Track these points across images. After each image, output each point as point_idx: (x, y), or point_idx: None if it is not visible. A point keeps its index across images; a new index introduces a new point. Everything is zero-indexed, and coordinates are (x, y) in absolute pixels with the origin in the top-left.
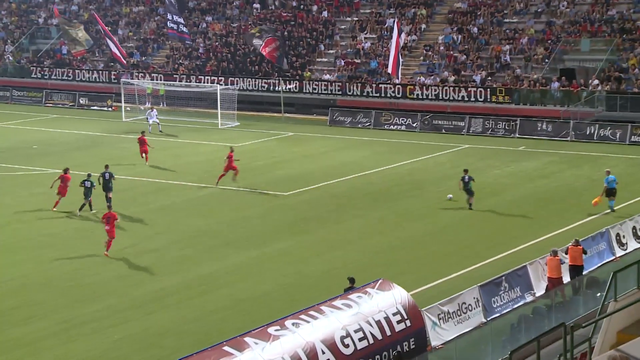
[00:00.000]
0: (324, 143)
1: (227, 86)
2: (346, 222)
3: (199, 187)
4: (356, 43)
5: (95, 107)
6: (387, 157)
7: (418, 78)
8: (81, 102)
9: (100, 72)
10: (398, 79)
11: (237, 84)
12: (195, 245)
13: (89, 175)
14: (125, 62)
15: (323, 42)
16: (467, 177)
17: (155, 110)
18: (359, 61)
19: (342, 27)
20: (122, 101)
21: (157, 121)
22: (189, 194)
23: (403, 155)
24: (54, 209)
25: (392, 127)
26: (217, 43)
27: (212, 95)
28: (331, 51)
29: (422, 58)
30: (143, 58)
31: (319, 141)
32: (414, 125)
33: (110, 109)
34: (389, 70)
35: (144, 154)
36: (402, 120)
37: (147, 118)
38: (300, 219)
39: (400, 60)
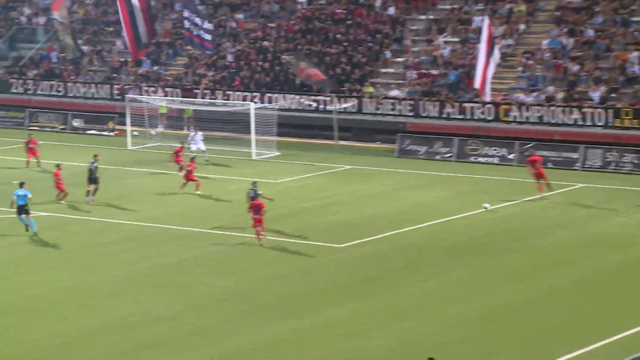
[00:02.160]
0: (390, 179)
1: (263, 104)
2: (419, 283)
3: (224, 236)
4: (432, 49)
5: (92, 132)
6: (473, 199)
7: (515, 95)
8: (75, 124)
9: (100, 85)
10: (488, 96)
11: (276, 101)
12: (219, 312)
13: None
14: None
15: (389, 47)
16: None
17: (200, 133)
18: (436, 72)
19: (415, 27)
20: (128, 124)
21: (203, 148)
22: (212, 246)
23: (495, 196)
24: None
25: (480, 159)
26: (250, 48)
27: (244, 116)
28: (399, 59)
29: (520, 69)
30: (154, 68)
31: (384, 177)
32: (510, 157)
33: (112, 133)
34: (476, 84)
35: (188, 182)
36: (494, 150)
37: (188, 144)
38: (358, 279)
39: (492, 71)
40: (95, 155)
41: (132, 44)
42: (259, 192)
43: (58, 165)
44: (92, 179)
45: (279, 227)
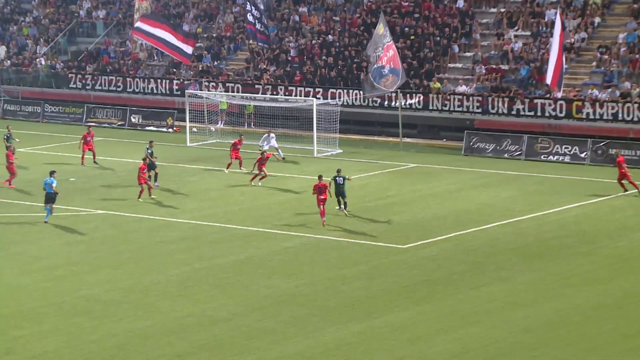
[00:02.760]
0: (455, 178)
1: (326, 100)
2: (485, 286)
3: (285, 236)
4: (503, 43)
5: (151, 128)
6: (543, 199)
7: (589, 91)
8: (133, 120)
9: (159, 80)
10: (560, 91)
11: (339, 97)
12: (279, 314)
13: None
14: (188, 58)
15: (457, 41)
16: None
17: (273, 134)
18: (506, 67)
19: (484, 21)
20: (187, 120)
21: (276, 146)
22: (272, 245)
23: (566, 196)
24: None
25: (551, 157)
26: (313, 42)
27: (306, 112)
28: (468, 54)
29: (594, 64)
30: (215, 62)
31: (450, 176)
32: (582, 155)
33: (170, 129)
34: (548, 80)
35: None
36: (566, 148)
37: (260, 146)
38: (422, 282)
39: (564, 66)
40: (151, 141)
41: (180, 57)
42: (346, 177)
43: (144, 159)
44: (150, 164)
45: (341, 226)
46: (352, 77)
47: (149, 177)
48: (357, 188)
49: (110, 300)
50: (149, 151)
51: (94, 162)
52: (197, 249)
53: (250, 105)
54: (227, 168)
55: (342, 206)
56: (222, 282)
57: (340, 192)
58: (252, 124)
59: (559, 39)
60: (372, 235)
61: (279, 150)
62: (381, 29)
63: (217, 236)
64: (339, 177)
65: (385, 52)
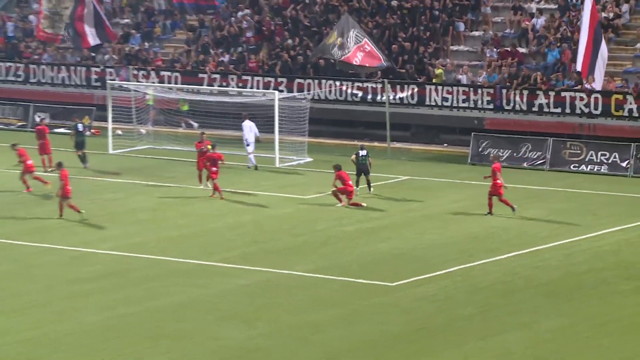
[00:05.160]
0: (460, 195)
1: (291, 94)
2: (499, 336)
3: (239, 271)
4: (522, 19)
5: (62, 130)
6: (573, 221)
7: (633, 83)
8: (38, 120)
9: (73, 68)
10: (595, 82)
11: (309, 89)
12: None
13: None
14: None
15: (463, 17)
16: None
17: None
18: (525, 51)
19: None
20: (109, 120)
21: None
22: (222, 283)
23: (603, 218)
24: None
25: (583, 167)
26: (273, 20)
27: (265, 109)
28: (476, 33)
29: (639, 46)
30: (146, 45)
31: (452, 192)
32: (624, 164)
33: (88, 132)
34: (578, 67)
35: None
36: (603, 155)
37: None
38: (417, 330)
39: (603, 50)
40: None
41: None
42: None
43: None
44: (79, 142)
45: (312, 258)
46: (326, 64)
47: (83, 156)
48: (332, 208)
49: (5, 359)
50: (79, 126)
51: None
52: (122, 288)
53: (184, 102)
54: (204, 180)
55: (367, 185)
56: (156, 332)
57: (364, 169)
58: (193, 125)
59: (591, 12)
60: (351, 269)
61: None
62: (333, 37)
63: (149, 272)
64: (362, 149)
65: (354, 53)
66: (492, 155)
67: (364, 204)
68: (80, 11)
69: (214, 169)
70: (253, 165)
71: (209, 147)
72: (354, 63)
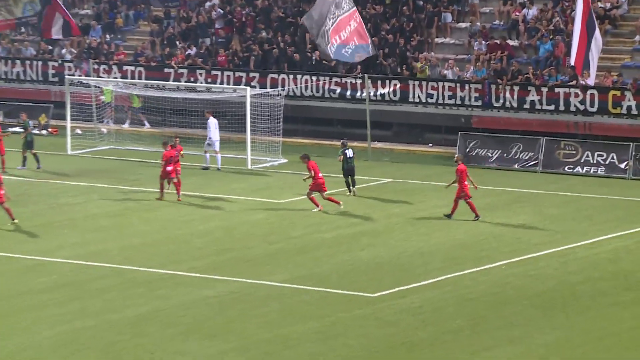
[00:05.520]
0: (446, 199)
1: (264, 90)
2: (489, 350)
3: (206, 281)
4: (512, 9)
5: (14, 129)
6: (568, 226)
7: (632, 79)
8: None
9: (29, 62)
10: (590, 77)
11: (283, 85)
12: None
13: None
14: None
15: (449, 7)
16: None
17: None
18: (515, 43)
19: None
20: (68, 118)
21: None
22: (187, 294)
23: (600, 223)
24: None
25: (578, 168)
26: (245, 10)
27: (236, 107)
28: (463, 24)
29: (638, 38)
30: (107, 37)
31: (437, 195)
32: (622, 166)
33: (44, 131)
34: (572, 61)
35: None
36: (600, 156)
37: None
38: (400, 344)
39: (596, 43)
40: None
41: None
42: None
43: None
44: (30, 142)
45: (287, 267)
46: (301, 58)
47: (25, 158)
48: (308, 214)
49: None
50: (32, 124)
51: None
52: (80, 300)
53: (135, 97)
54: (178, 195)
55: (352, 186)
56: (116, 347)
57: (350, 170)
58: (145, 122)
59: (584, 1)
60: (328, 278)
61: (207, 155)
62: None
63: (109, 282)
64: (347, 149)
65: (341, 26)
66: (456, 156)
67: (341, 204)
68: None
69: (169, 167)
70: (215, 168)
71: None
72: (341, 39)
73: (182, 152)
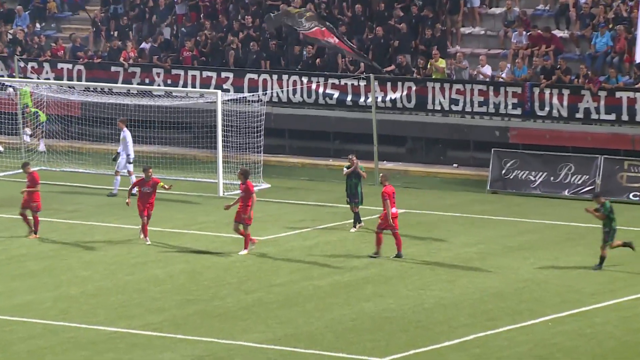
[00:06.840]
0: (476, 235)
1: (239, 94)
2: None
3: (169, 342)
4: None
5: None
6: (633, 271)
7: None
8: None
9: None
10: None
11: (265, 88)
12: None
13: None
14: None
15: None
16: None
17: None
18: (565, 35)
19: None
20: None
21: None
22: (143, 357)
23: None
24: None
25: None
26: None
27: (204, 116)
28: (497, 10)
29: None
30: (37, 27)
31: (466, 230)
32: None
33: None
34: (637, 57)
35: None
36: None
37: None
38: None
39: None
40: None
41: None
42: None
43: None
44: None
45: (269, 324)
46: (288, 53)
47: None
48: (297, 253)
49: None
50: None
51: None
52: None
53: (39, 110)
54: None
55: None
56: None
57: (355, 192)
58: (27, 134)
59: None
60: (324, 339)
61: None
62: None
63: (40, 342)
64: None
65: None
66: (381, 175)
67: (256, 240)
68: None
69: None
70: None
71: (164, 185)
72: (324, 39)
73: (161, 184)
